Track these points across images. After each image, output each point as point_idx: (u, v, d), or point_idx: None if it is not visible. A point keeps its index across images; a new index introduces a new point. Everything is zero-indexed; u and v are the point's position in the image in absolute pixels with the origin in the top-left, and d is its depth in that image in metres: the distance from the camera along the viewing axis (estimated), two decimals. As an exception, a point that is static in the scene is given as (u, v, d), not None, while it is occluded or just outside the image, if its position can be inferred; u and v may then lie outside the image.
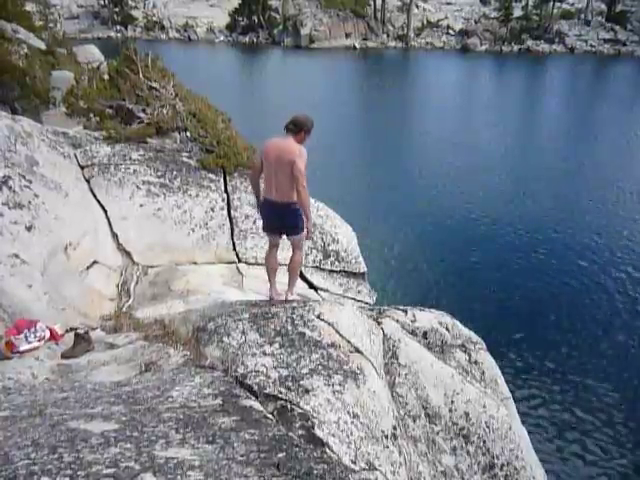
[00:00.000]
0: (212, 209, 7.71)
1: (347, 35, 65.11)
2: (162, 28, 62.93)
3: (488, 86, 47.98)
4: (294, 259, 5.28)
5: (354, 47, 63.68)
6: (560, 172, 25.60)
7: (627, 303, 14.86)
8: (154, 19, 63.08)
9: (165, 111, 9.89)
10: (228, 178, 8.25)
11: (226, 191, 8.01)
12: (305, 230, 5.07)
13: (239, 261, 7.28)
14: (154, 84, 10.54)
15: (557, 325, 13.72)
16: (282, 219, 5.13)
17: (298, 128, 5.08)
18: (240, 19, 65.17)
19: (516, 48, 65.62)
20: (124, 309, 6.28)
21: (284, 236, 5.25)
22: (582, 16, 69.71)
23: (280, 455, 2.29)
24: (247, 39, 64.85)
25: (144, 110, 10.07)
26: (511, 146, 30.03)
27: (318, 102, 36.48)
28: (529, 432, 5.06)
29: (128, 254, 7.03)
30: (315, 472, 2.14)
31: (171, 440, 2.52)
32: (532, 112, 39.51)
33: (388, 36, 67.54)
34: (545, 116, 38.35)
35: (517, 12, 67.29)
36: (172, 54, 42.42)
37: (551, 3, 66.73)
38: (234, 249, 7.37)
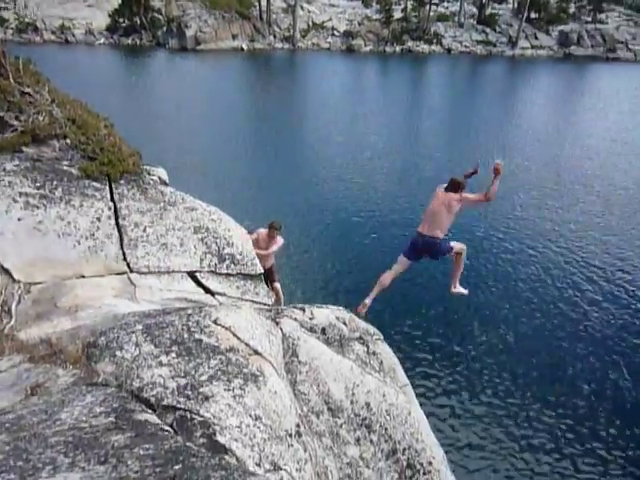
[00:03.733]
0: (98, 219, 7.34)
1: (234, 36, 64.66)
2: (36, 30, 59.07)
3: (373, 85, 49.61)
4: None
5: (242, 48, 63.42)
6: (441, 163, 27.04)
7: (510, 283, 15.99)
8: (27, 20, 59.04)
9: (41, 118, 9.28)
10: (114, 186, 7.89)
11: (112, 199, 7.66)
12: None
13: (131, 271, 6.98)
14: (27, 89, 9.86)
15: (449, 312, 14.49)
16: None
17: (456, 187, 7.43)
18: (121, 20, 62.62)
19: (398, 49, 68.38)
20: (5, 331, 5.82)
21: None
22: (456, 19, 73.96)
23: (176, 467, 2.23)
24: (129, 41, 62.47)
25: (17, 117, 9.39)
26: (396, 141, 31.29)
27: (206, 104, 35.97)
28: (427, 415, 5.28)
29: (7, 272, 6.52)
30: (212, 480, 2.10)
31: (59, 465, 2.37)
32: (414, 109, 41.35)
33: (275, 37, 67.89)
34: (427, 112, 40.26)
35: (397, 14, 70.14)
36: (48, 57, 39.91)
37: (428, 6, 70.07)
38: (124, 259, 7.06)
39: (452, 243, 7.95)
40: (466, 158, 27.57)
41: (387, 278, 8.28)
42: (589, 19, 77.68)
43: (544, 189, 24.58)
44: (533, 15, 74.70)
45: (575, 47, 73.13)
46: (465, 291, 8.32)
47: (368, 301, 8.26)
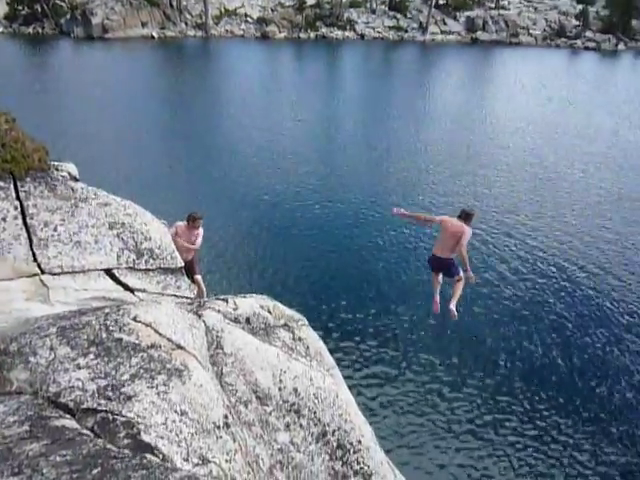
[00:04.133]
0: (4, 219, 6.91)
1: (143, 24, 62.45)
2: None
3: (289, 72, 49.46)
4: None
5: (152, 37, 61.37)
6: (356, 147, 27.46)
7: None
8: None
9: None
10: (19, 184, 7.45)
11: (18, 198, 7.24)
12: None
13: (42, 273, 6.64)
14: None
15: (372, 293, 14.83)
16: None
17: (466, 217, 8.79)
18: (20, 8, 58.87)
19: (312, 35, 68.46)
20: None
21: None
22: (368, 5, 74.89)
23: (95, 471, 2.16)
24: (30, 30, 58.92)
25: None
26: (313, 127, 31.44)
27: (116, 96, 34.61)
28: (355, 395, 5.38)
29: None
30: None
31: (-32, 481, 2.23)
32: (330, 95, 41.66)
33: (187, 25, 66.19)
34: (343, 98, 40.68)
35: (311, 1, 70.14)
36: (-63, 49, 37.05)
37: (340, -8, 70.51)
38: (35, 260, 6.70)
39: (460, 270, 9.21)
40: (380, 142, 28.17)
41: (435, 281, 9.77)
42: (492, 5, 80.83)
43: (458, 166, 25.53)
44: (441, 1, 76.85)
45: (481, 32, 75.98)
46: (455, 313, 9.29)
47: (437, 298, 9.76)
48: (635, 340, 13.86)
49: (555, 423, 11.27)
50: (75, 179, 8.51)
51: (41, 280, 6.49)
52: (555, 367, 12.80)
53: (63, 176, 8.24)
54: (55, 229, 6.99)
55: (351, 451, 4.75)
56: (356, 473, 4.71)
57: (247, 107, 34.48)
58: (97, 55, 50.74)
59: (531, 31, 78.02)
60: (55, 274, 6.60)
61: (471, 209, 9.30)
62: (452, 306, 9.21)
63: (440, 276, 9.65)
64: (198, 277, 9.24)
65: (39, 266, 6.75)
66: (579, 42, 77.41)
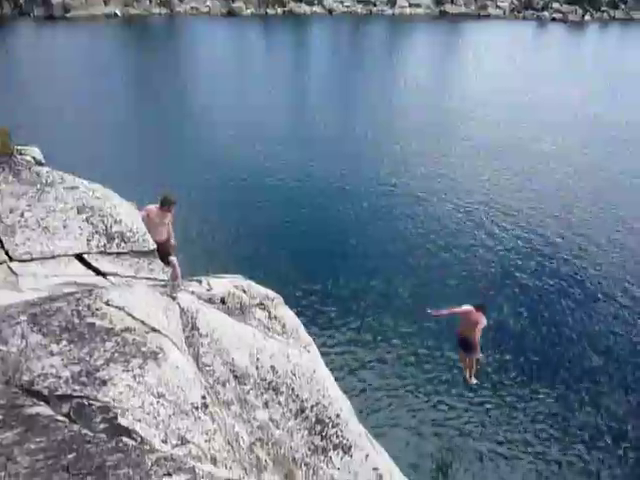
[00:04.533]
0: (-33, 206, 6.74)
1: (106, 2, 60.73)
2: None
3: (257, 48, 48.74)
4: None
5: (115, 15, 59.68)
6: (325, 122, 27.32)
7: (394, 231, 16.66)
8: None
9: None
10: (-19, 169, 7.25)
11: (-19, 184, 7.05)
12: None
13: (11, 260, 6.50)
14: None
15: (346, 269, 14.91)
16: None
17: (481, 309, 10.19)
18: (-24, -12, 56.68)
19: (280, 11, 67.37)
20: None
21: None
22: (336, -22, 73.74)
23: (70, 456, 2.14)
24: (-13, 10, 56.78)
25: None
26: (283, 103, 31.17)
27: (79, 77, 33.73)
28: (332, 370, 5.43)
29: None
30: (108, 464, 2.04)
31: (-60, 473, 2.19)
32: (299, 71, 41.24)
33: (151, 2, 64.50)
34: (312, 73, 40.32)
35: (276, -25, 68.77)
36: None
37: (307, -34, 69.36)
38: (2, 247, 6.56)
39: (479, 351, 10.48)
40: (351, 114, 28.07)
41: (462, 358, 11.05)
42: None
43: (428, 135, 25.64)
44: (409, -26, 76.14)
45: (449, 5, 75.72)
46: (475, 381, 10.80)
47: (471, 379, 10.81)
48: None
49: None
50: (40, 163, 8.32)
51: (9, 267, 6.35)
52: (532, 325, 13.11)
53: (27, 160, 8.05)
54: (22, 215, 6.83)
55: (330, 425, 4.80)
56: (336, 447, 4.78)
57: (215, 85, 33.95)
58: (59, 35, 49.26)
59: (499, 3, 78.03)
60: (24, 261, 6.46)
61: (483, 303, 10.57)
62: (472, 380, 10.78)
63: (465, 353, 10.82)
64: (172, 258, 9.11)
65: (7, 253, 6.60)
66: (546, 14, 77.76)
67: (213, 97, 31.12)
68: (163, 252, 8.66)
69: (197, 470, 2.53)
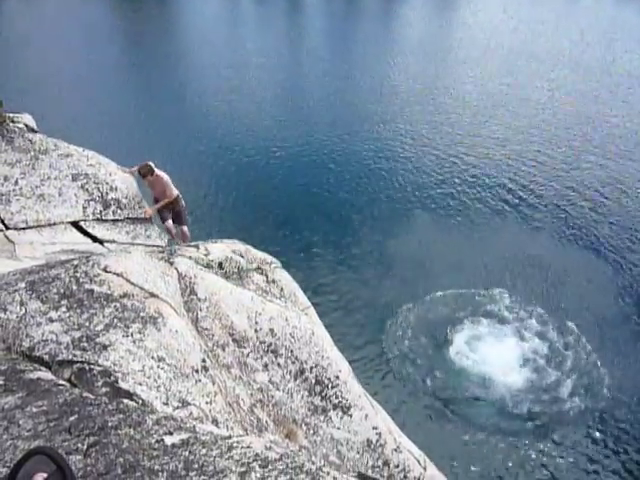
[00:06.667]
0: (-40, 176, 6.70)
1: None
2: None
3: (249, 11, 47.62)
4: None
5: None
6: (321, 94, 26.98)
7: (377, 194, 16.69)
8: None
9: None
10: (-27, 138, 7.18)
11: (-26, 153, 6.99)
12: None
13: (7, 228, 6.50)
14: None
15: (344, 231, 14.95)
16: None
17: None
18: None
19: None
20: None
21: None
22: None
23: (72, 418, 2.17)
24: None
25: None
26: (276, 66, 30.63)
27: (67, 44, 33.05)
28: (330, 332, 5.48)
29: None
30: (110, 424, 2.07)
31: (-56, 437, 2.22)
32: (291, 32, 40.39)
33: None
34: (306, 34, 39.52)
35: None
36: None
37: None
38: (-2, 216, 6.54)
39: None
40: (345, 77, 27.67)
41: None
42: None
43: (424, 94, 25.36)
44: None
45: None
46: None
47: None
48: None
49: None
50: (33, 130, 8.22)
51: (6, 236, 6.35)
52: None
53: (20, 128, 7.95)
54: (16, 183, 6.80)
55: (329, 386, 4.87)
56: (335, 407, 4.86)
57: (210, 51, 33.34)
58: (50, 1, 48.00)
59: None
60: (20, 229, 6.46)
61: None
62: None
63: None
64: (184, 228, 8.80)
65: (2, 222, 6.59)
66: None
67: (207, 63, 30.59)
68: (176, 220, 8.55)
69: (198, 429, 2.57)
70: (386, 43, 36.64)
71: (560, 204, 17.06)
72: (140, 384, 3.41)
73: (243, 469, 2.18)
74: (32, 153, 7.23)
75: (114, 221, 6.73)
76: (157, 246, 6.44)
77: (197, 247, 5.15)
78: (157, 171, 7.94)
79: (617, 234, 15.59)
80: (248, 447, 2.42)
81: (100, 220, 6.66)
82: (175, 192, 8.28)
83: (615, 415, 10.31)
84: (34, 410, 2.33)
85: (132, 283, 4.22)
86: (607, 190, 17.89)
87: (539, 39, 37.92)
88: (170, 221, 8.26)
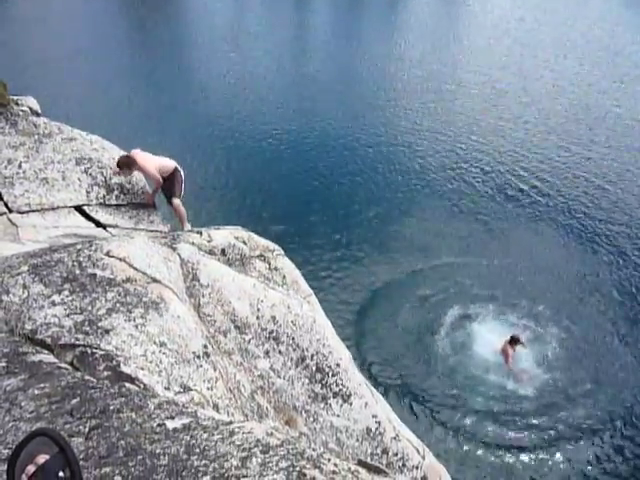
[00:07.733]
0: (-36, 157, 6.69)
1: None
2: None
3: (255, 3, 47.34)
4: None
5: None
6: (326, 84, 26.86)
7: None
8: None
9: None
10: (-23, 120, 7.17)
11: (-23, 135, 6.98)
12: None
13: (10, 211, 6.51)
14: None
15: (347, 220, 14.92)
16: None
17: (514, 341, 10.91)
18: None
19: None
20: None
21: None
22: None
23: (74, 401, 2.18)
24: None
25: None
26: (281, 55, 30.48)
27: (73, 29, 32.91)
28: (332, 320, 5.49)
29: None
30: (112, 408, 2.08)
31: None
32: (297, 23, 40.12)
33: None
34: (312, 24, 39.26)
35: None
36: None
37: None
38: (1, 199, 6.55)
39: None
40: (349, 68, 27.54)
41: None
42: None
43: (430, 84, 25.23)
44: None
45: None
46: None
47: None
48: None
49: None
50: (37, 114, 8.20)
51: (9, 219, 6.36)
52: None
53: (24, 111, 7.93)
54: (20, 166, 6.80)
55: (330, 374, 4.89)
56: (335, 395, 4.87)
57: (214, 34, 33.15)
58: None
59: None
60: (23, 212, 6.46)
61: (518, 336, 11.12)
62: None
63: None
64: (176, 200, 8.30)
65: (6, 205, 6.59)
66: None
67: (213, 49, 30.41)
68: (166, 193, 8.05)
69: (199, 414, 2.58)
70: (391, 33, 36.40)
71: (563, 192, 17.07)
72: (142, 368, 3.42)
73: (244, 454, 2.19)
74: (36, 136, 7.22)
75: (117, 206, 6.73)
76: (160, 231, 6.45)
77: (200, 233, 5.15)
78: (138, 159, 7.22)
79: (618, 224, 15.59)
80: (249, 433, 2.43)
81: (103, 205, 6.67)
82: (168, 169, 7.53)
83: (615, 415, 10.34)
84: (36, 392, 2.34)
85: (135, 268, 4.23)
86: (610, 179, 17.88)
87: (545, 28, 37.65)
88: (177, 200, 7.64)
